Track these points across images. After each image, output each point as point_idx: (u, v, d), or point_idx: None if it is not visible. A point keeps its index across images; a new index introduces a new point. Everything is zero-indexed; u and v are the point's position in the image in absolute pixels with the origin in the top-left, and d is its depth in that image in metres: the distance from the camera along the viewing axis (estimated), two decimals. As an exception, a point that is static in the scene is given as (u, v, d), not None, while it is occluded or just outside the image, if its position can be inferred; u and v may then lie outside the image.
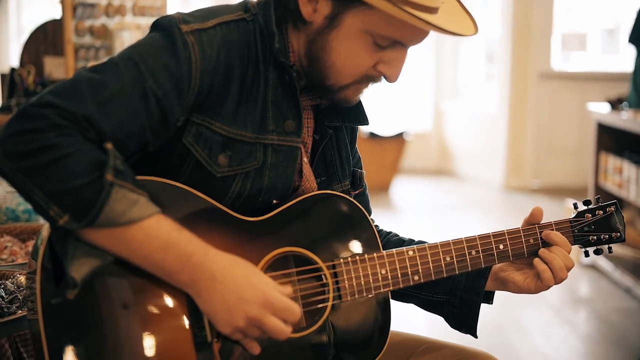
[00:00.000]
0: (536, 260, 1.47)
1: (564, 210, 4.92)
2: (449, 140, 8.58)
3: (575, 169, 7.37)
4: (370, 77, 1.37)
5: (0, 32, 8.55)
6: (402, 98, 8.70)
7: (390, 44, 1.32)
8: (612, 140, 4.90)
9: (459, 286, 1.55)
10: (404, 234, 1.68)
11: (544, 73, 7.42)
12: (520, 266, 1.51)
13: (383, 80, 1.38)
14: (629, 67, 5.71)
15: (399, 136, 7.44)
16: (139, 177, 1.23)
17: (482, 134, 8.05)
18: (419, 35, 1.32)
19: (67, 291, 1.16)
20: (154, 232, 1.18)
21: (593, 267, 4.79)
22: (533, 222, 1.50)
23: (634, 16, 4.72)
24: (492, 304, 1.60)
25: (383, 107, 8.38)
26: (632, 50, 4.86)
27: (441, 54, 8.53)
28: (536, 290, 1.48)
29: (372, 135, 7.26)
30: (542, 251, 1.47)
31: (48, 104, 1.18)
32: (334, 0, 1.30)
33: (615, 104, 4.82)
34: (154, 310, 1.25)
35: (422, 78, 8.69)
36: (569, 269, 1.46)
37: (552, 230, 1.49)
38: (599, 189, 4.94)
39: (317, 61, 1.35)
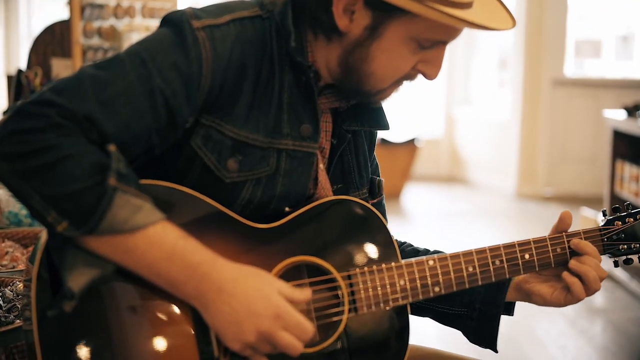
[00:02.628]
0: (565, 274, 1.39)
1: (579, 218, 4.83)
2: (460, 147, 8.50)
3: (589, 177, 7.27)
4: (408, 77, 1.32)
5: (11, 35, 8.55)
6: (414, 104, 8.62)
7: (432, 44, 1.27)
8: (628, 147, 4.81)
9: (477, 298, 1.47)
10: (415, 241, 1.61)
11: (557, 80, 7.34)
12: (547, 277, 1.43)
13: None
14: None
15: (410, 142, 7.37)
16: (143, 181, 1.16)
17: (494, 141, 7.97)
18: (460, 31, 1.28)
19: (64, 302, 1.09)
20: (158, 240, 1.11)
21: (609, 276, 4.69)
22: (562, 227, 1.42)
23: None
24: (512, 315, 1.52)
25: (394, 113, 8.28)
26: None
27: (453, 61, 8.45)
28: (565, 304, 1.40)
29: (384, 142, 7.18)
30: (573, 263, 1.39)
31: (48, 102, 1.11)
32: (374, 11, 1.23)
33: (632, 111, 4.74)
34: (157, 323, 1.17)
35: (433, 84, 8.61)
36: (602, 280, 1.38)
37: (581, 239, 1.41)
38: (614, 197, 4.85)
39: (355, 72, 1.28)
